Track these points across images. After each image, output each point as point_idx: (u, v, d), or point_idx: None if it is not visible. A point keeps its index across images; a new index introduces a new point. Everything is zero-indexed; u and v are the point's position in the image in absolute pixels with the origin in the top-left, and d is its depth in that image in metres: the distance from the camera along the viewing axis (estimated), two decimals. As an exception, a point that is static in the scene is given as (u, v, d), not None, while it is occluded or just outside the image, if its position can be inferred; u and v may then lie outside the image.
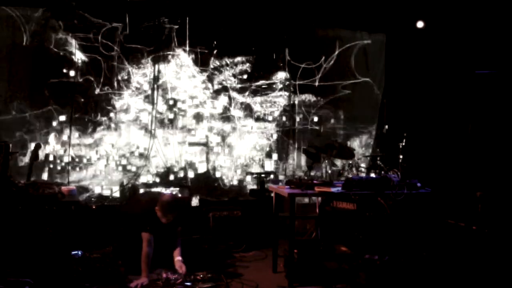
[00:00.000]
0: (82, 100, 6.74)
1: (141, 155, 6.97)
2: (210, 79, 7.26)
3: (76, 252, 5.27)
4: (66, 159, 6.67)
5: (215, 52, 7.22)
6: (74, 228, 5.35)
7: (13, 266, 4.79)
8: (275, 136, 7.61)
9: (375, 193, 5.12)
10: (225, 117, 7.37)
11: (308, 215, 6.63)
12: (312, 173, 5.94)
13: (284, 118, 7.64)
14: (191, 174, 7.16)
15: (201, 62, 7.19)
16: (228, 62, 7.31)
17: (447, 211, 5.69)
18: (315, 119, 7.76)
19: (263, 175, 7.25)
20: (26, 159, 6.37)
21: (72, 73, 6.66)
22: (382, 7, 7.27)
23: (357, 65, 7.89)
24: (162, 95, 7.05)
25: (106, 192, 6.78)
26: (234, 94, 7.37)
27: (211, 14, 7.08)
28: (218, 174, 7.31)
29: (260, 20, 7.29)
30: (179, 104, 7.16)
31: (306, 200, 6.93)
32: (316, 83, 7.70)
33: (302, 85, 7.67)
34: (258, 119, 7.54)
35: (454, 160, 6.76)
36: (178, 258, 5.22)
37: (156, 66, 6.99)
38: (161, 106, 7.07)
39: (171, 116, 7.12)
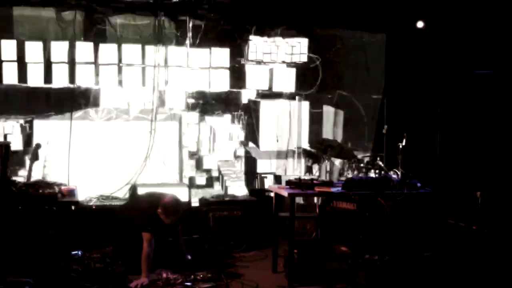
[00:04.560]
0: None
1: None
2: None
3: (76, 252, 5.27)
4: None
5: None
6: (74, 228, 5.35)
7: (13, 266, 4.79)
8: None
9: (375, 193, 5.13)
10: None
11: (308, 215, 6.63)
12: (312, 173, 5.95)
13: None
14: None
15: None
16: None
17: (447, 211, 5.69)
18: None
19: (263, 175, 7.25)
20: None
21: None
22: (382, 7, 7.27)
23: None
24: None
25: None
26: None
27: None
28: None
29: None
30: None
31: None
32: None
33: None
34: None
35: (454, 160, 6.76)
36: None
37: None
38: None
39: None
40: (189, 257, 5.45)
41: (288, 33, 7.50)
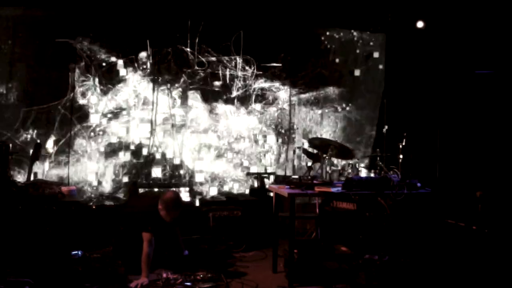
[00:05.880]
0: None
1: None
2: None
3: (76, 252, 5.27)
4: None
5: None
6: (74, 228, 5.35)
7: (13, 266, 4.79)
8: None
9: (375, 193, 5.12)
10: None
11: (308, 215, 6.63)
12: (312, 173, 5.93)
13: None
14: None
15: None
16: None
17: (447, 211, 5.69)
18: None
19: (263, 175, 7.25)
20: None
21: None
22: (382, 7, 7.28)
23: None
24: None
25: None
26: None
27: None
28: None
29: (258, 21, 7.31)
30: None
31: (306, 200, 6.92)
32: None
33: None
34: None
35: (454, 160, 6.76)
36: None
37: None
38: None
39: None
40: (187, 252, 5.46)
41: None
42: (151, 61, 6.99)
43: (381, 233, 5.14)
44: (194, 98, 7.26)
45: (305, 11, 7.31)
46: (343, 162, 6.25)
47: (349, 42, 7.94)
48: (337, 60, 7.88)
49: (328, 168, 5.82)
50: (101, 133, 6.88)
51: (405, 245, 5.17)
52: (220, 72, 7.31)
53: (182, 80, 7.18)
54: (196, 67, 7.17)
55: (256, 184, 7.27)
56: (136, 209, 5.39)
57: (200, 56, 7.18)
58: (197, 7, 6.99)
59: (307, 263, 5.19)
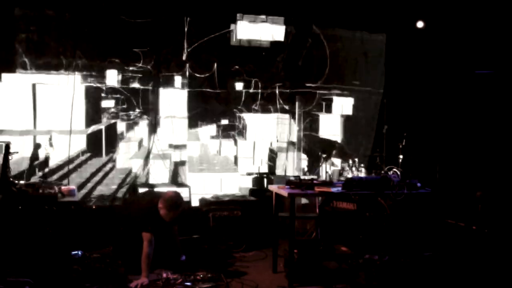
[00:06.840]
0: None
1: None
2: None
3: (76, 252, 5.27)
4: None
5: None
6: (74, 228, 5.36)
7: (13, 266, 4.79)
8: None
9: (375, 193, 5.12)
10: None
11: (308, 215, 6.63)
12: (312, 173, 5.95)
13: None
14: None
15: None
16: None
17: (447, 211, 5.69)
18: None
19: (263, 175, 7.25)
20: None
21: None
22: (382, 7, 7.28)
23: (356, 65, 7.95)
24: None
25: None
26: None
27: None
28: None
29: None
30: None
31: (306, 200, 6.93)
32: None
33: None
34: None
35: (454, 160, 6.76)
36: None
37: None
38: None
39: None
40: (184, 257, 5.44)
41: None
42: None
43: (381, 233, 5.15)
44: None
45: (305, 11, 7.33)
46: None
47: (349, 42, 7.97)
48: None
49: (328, 168, 5.83)
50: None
51: (405, 245, 5.18)
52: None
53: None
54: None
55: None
56: (135, 209, 5.38)
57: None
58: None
59: (307, 263, 5.19)
